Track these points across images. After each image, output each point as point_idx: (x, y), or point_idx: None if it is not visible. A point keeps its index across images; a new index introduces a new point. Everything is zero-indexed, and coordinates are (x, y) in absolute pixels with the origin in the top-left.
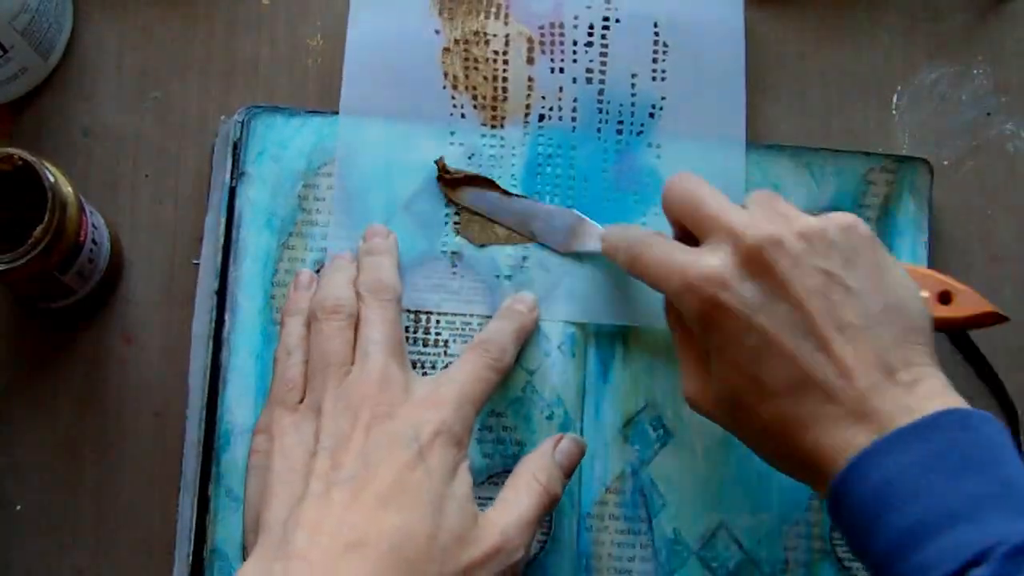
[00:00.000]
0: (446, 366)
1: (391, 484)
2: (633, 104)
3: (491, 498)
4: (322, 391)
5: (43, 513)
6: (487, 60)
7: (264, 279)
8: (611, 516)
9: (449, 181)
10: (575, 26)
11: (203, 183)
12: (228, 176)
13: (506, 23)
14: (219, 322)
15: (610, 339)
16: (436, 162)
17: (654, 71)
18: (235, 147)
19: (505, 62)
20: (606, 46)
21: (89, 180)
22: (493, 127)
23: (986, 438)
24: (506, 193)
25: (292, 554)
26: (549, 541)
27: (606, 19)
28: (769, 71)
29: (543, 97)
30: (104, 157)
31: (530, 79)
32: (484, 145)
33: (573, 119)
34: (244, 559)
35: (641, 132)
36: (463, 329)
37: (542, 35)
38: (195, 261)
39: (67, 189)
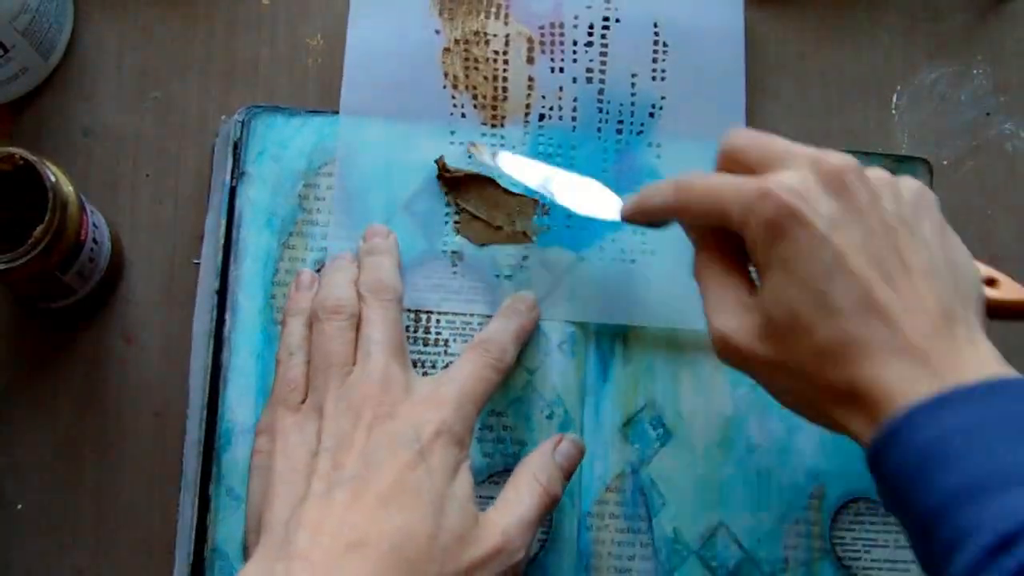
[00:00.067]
0: (447, 366)
1: (392, 484)
2: (633, 104)
3: (492, 497)
4: (324, 391)
5: (43, 513)
6: (487, 60)
7: (264, 279)
8: (611, 515)
9: (449, 180)
10: (575, 26)
11: (203, 183)
12: (228, 176)
13: (506, 23)
14: (219, 322)
15: (610, 339)
16: (436, 161)
17: (654, 71)
18: (235, 147)
19: (505, 62)
20: (606, 46)
21: (89, 180)
22: (493, 127)
23: None
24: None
25: (294, 554)
26: (549, 540)
27: (606, 19)
28: (769, 71)
29: (543, 97)
30: (104, 157)
31: (530, 79)
32: (485, 144)
33: (573, 119)
34: (245, 559)
35: (641, 132)
36: (463, 329)
37: (542, 35)
38: (195, 261)
39: (67, 189)
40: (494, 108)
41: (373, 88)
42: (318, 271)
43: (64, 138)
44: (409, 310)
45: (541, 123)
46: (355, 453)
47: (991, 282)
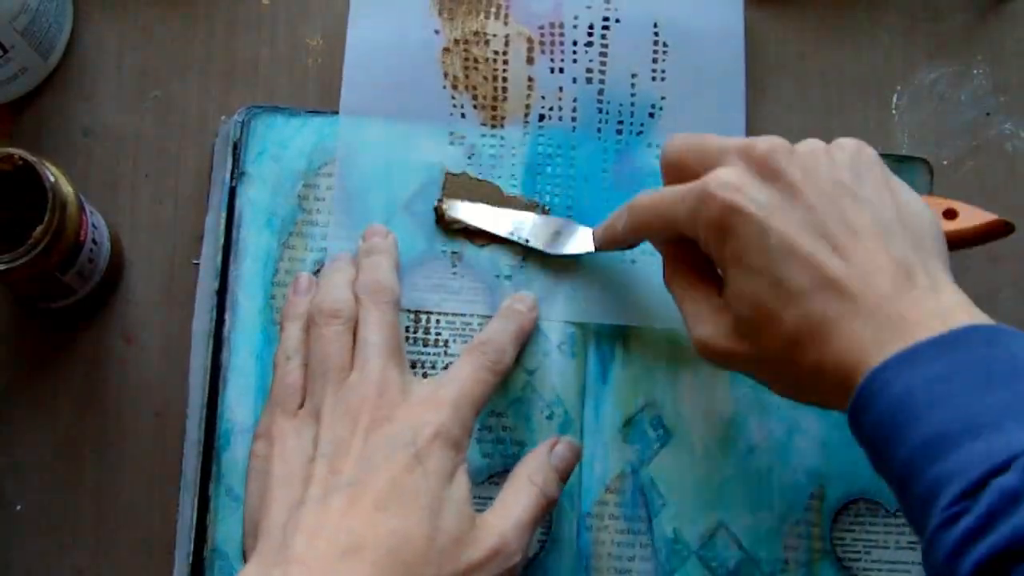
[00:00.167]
0: (446, 366)
1: (389, 488)
2: (633, 104)
3: (491, 498)
4: (321, 396)
5: (43, 513)
6: (487, 60)
7: (264, 279)
8: (611, 516)
9: (447, 226)
10: (575, 26)
11: (203, 183)
12: (228, 176)
13: (506, 23)
14: (219, 322)
15: (610, 339)
16: (435, 208)
17: (654, 71)
18: (235, 147)
19: (505, 62)
20: (606, 46)
21: (89, 180)
22: (493, 127)
23: (1012, 354)
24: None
25: (291, 559)
26: (549, 541)
27: (606, 19)
28: (769, 71)
29: (543, 97)
30: (104, 157)
31: (530, 79)
32: (484, 145)
33: (573, 119)
34: (244, 561)
35: (641, 132)
36: (463, 329)
37: (542, 35)
38: (195, 261)
39: (67, 189)
40: (494, 108)
41: (373, 88)
42: (317, 272)
43: (64, 138)
44: (409, 310)
45: (541, 123)
46: (352, 458)
47: (950, 214)
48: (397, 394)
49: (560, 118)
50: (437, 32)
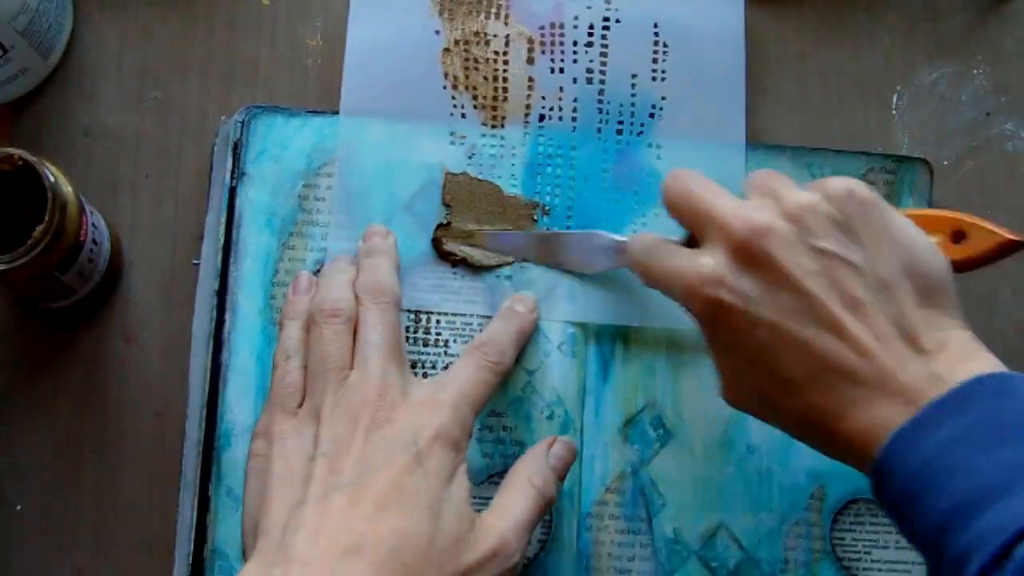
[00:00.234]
0: (446, 366)
1: (389, 488)
2: (633, 104)
3: (491, 498)
4: (321, 396)
5: (43, 513)
6: (487, 60)
7: (264, 279)
8: (611, 516)
9: (446, 256)
10: (575, 26)
11: (203, 183)
12: (228, 176)
13: (506, 23)
14: (219, 322)
15: (610, 339)
16: (432, 240)
17: (654, 71)
18: (235, 147)
19: (505, 62)
20: (606, 46)
21: (89, 180)
22: (493, 127)
23: (1023, 403)
24: (498, 203)
25: (291, 558)
26: (549, 541)
27: (606, 19)
28: (769, 71)
29: (543, 97)
30: (104, 157)
31: (530, 79)
32: (484, 145)
33: (573, 119)
34: (244, 561)
35: (641, 132)
36: (463, 329)
37: (542, 35)
38: (195, 261)
39: (67, 189)
40: (494, 108)
41: (373, 88)
42: (317, 272)
43: (64, 138)
44: (409, 310)
45: (541, 123)
46: (352, 458)
47: (958, 236)
48: (397, 395)
49: (560, 118)
50: (437, 32)
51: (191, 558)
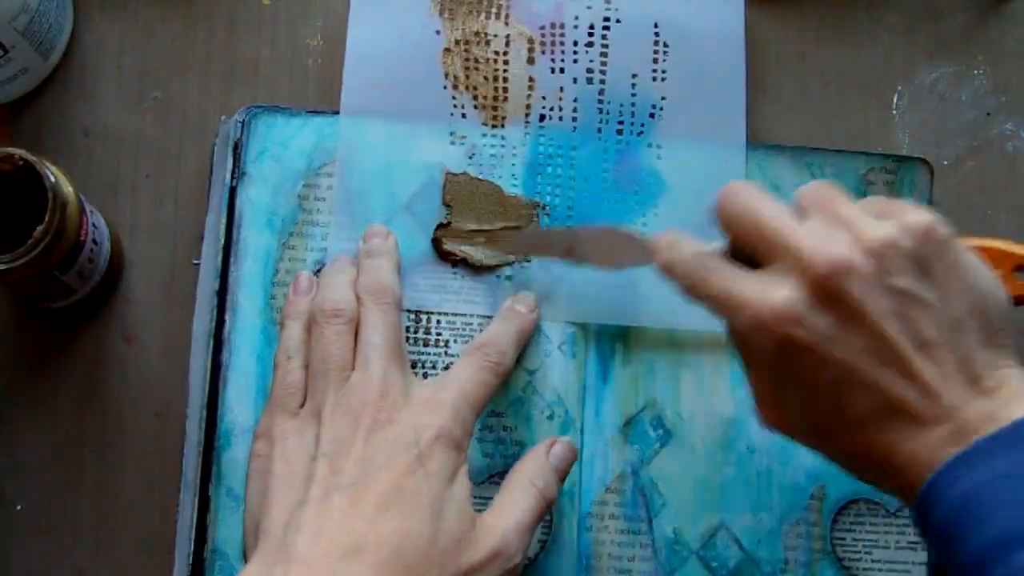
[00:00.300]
0: (447, 366)
1: (391, 489)
2: (633, 104)
3: (491, 498)
4: (323, 396)
5: (43, 513)
6: (488, 60)
7: (265, 279)
8: (611, 516)
9: (446, 256)
10: (575, 26)
11: (203, 183)
12: (228, 176)
13: (507, 23)
14: (219, 322)
15: (610, 339)
16: (432, 240)
17: (654, 71)
18: (235, 147)
19: (506, 62)
20: (606, 46)
21: (89, 180)
22: (494, 127)
23: None
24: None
25: (292, 558)
26: (550, 541)
27: (606, 19)
28: (769, 71)
29: (543, 97)
30: (104, 157)
31: (531, 79)
32: (485, 145)
33: (574, 119)
34: (245, 561)
35: (641, 132)
36: (464, 329)
37: (543, 35)
38: (195, 261)
39: (67, 189)
40: (494, 108)
41: (373, 88)
42: (317, 272)
43: (64, 138)
44: (409, 311)
45: (541, 123)
46: (353, 458)
47: (1021, 267)
48: (398, 395)
49: (561, 118)
50: (438, 32)
51: (191, 558)
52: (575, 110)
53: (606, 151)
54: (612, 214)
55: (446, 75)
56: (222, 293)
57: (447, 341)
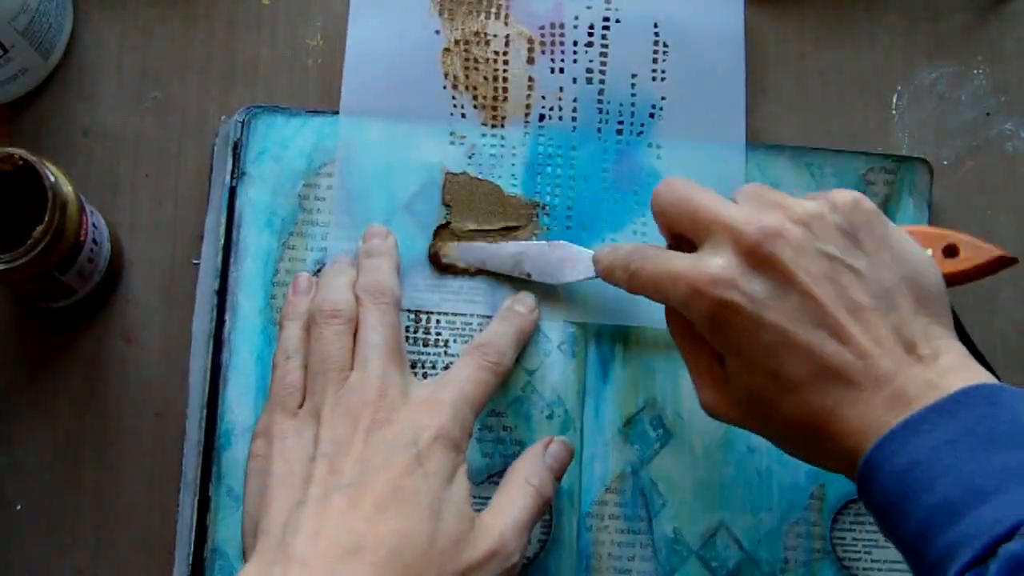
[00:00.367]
0: (446, 366)
1: (390, 489)
2: (633, 104)
3: (491, 498)
4: (322, 396)
5: (43, 513)
6: (487, 60)
7: (264, 279)
8: (611, 516)
9: (445, 268)
10: (575, 26)
11: (203, 183)
12: (228, 176)
13: (506, 23)
14: (219, 322)
15: (610, 339)
16: (430, 256)
17: (654, 71)
18: (235, 147)
19: (505, 62)
20: (606, 46)
21: (89, 180)
22: (493, 127)
23: (1014, 412)
24: (492, 241)
25: (291, 558)
26: (549, 541)
27: (606, 19)
28: (769, 71)
29: (543, 97)
30: (104, 157)
31: (530, 79)
32: (484, 145)
33: (573, 119)
34: (244, 561)
35: (641, 132)
36: (463, 329)
37: (542, 35)
38: (195, 261)
39: (67, 189)
40: (494, 108)
41: (373, 88)
42: (317, 272)
43: (64, 138)
44: (409, 310)
45: (541, 123)
46: (352, 458)
47: (950, 251)
48: (397, 395)
49: (560, 118)
50: (437, 32)
51: (191, 558)
52: (575, 110)
53: (606, 151)
54: (611, 214)
55: (446, 75)
56: (222, 293)
57: (447, 341)
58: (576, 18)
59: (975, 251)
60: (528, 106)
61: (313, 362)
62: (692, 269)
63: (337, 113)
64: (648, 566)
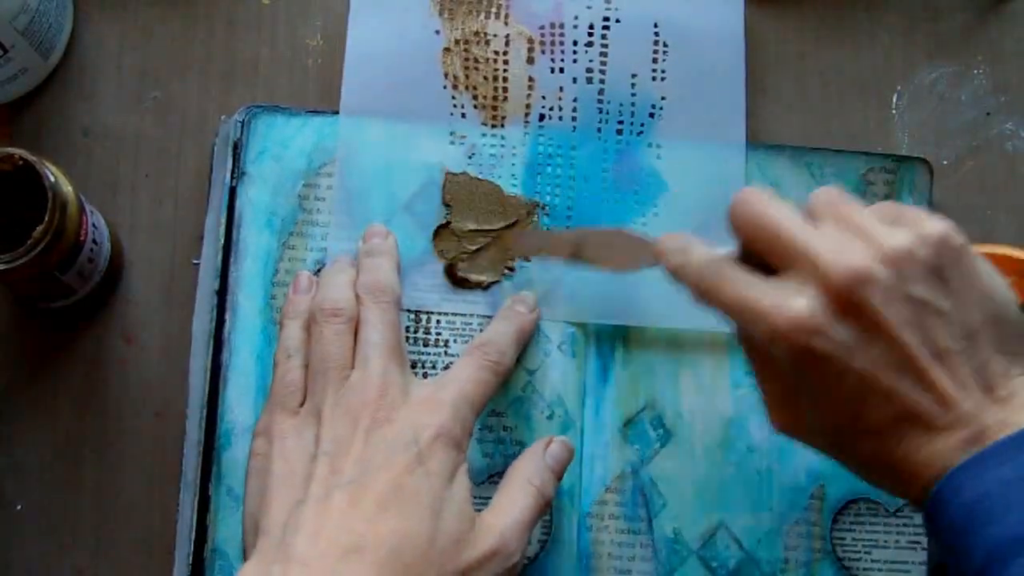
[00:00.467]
0: (447, 366)
1: (390, 488)
2: (633, 104)
3: (491, 497)
4: (322, 395)
5: (43, 513)
6: (487, 60)
7: (264, 279)
8: (611, 516)
9: (459, 281)
10: (575, 26)
11: (203, 183)
12: (228, 176)
13: (506, 23)
14: (219, 322)
15: (610, 339)
16: (444, 268)
17: (654, 71)
18: (235, 147)
19: (505, 62)
20: (606, 46)
21: (89, 180)
22: (493, 127)
23: None
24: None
25: (291, 557)
26: (550, 541)
27: (606, 19)
28: (769, 71)
29: (543, 97)
30: (104, 157)
31: (530, 79)
32: (484, 145)
33: (573, 119)
34: (244, 561)
35: (641, 132)
36: (463, 329)
37: (542, 35)
38: (195, 261)
39: (67, 189)
40: (494, 108)
41: (373, 88)
42: (317, 272)
43: (64, 138)
44: (409, 310)
45: (541, 123)
46: (353, 458)
47: None
48: (398, 395)
49: (560, 118)
50: (437, 32)
51: (191, 558)
52: (575, 110)
53: (606, 151)
54: (612, 214)
55: (446, 75)
56: (222, 293)
57: (447, 341)
58: (576, 18)
59: None
60: (528, 106)
61: (314, 361)
62: (775, 310)
63: (337, 113)
64: (648, 566)
